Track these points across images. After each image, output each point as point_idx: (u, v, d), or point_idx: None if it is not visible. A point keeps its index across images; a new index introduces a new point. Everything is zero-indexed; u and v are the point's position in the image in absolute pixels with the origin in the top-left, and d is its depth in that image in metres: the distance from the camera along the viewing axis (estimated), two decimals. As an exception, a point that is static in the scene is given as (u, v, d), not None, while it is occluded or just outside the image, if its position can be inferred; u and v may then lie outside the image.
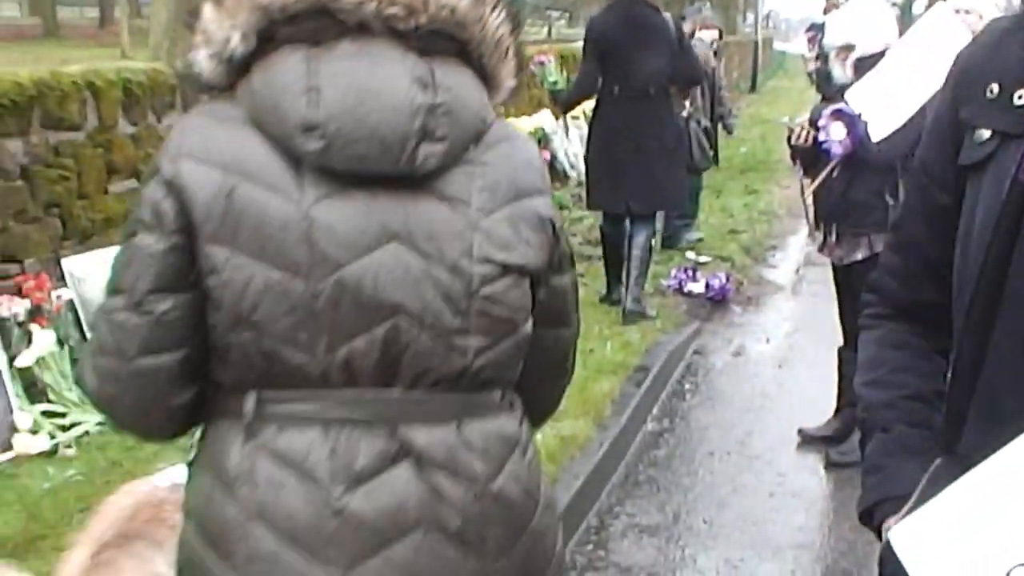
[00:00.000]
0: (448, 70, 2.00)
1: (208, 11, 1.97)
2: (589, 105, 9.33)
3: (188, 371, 2.00)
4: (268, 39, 1.94)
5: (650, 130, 8.48)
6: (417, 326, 1.96)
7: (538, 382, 2.26)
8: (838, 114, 5.89)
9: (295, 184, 1.91)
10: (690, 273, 9.91)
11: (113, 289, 1.98)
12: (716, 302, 9.78)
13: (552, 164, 14.61)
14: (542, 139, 14.34)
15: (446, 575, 2.01)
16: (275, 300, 1.91)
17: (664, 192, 8.75)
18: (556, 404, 2.45)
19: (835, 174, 6.08)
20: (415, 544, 1.98)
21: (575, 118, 15.80)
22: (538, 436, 5.64)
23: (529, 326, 2.11)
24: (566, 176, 14.60)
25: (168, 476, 3.10)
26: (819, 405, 7.04)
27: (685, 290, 9.72)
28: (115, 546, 3.03)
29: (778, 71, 45.54)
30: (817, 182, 6.21)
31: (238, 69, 1.97)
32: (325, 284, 1.91)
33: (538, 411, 2.32)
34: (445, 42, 2.00)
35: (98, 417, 6.13)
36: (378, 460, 1.96)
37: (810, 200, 6.44)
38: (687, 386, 7.85)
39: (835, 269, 6.46)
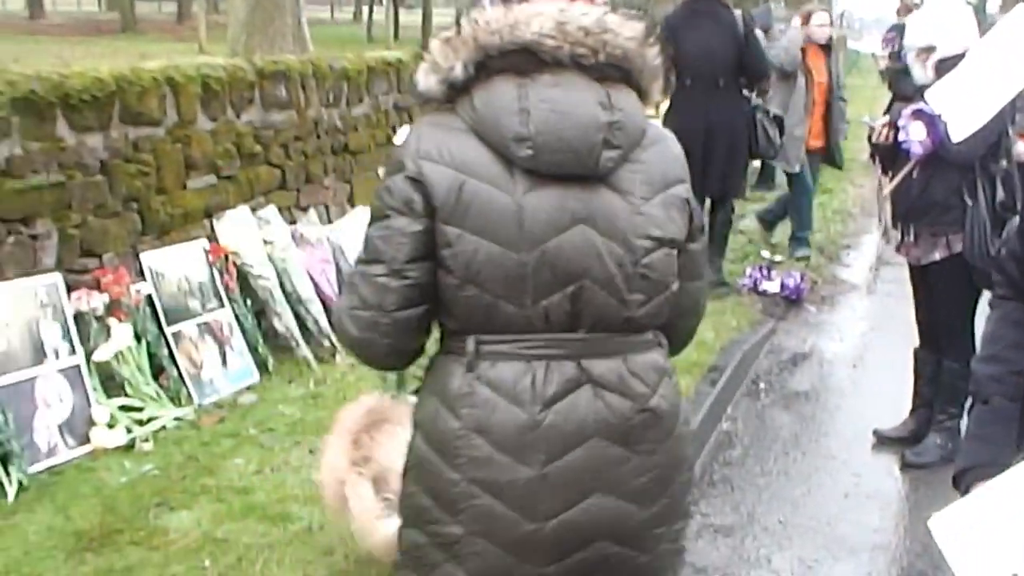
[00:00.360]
0: (619, 93, 2.64)
1: (436, 46, 2.66)
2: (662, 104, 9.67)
3: (427, 321, 2.71)
4: (481, 68, 2.59)
5: (719, 119, 9.03)
6: (597, 287, 2.62)
7: (678, 323, 2.90)
8: (918, 114, 5.84)
9: (509, 180, 2.57)
10: (765, 272, 9.86)
11: (372, 258, 2.65)
12: (791, 301, 9.72)
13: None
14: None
15: (615, 468, 2.67)
16: (494, 267, 2.56)
17: (731, 178, 9.42)
18: (689, 339, 3.07)
19: (914, 174, 6.03)
20: (593, 447, 2.63)
21: (651, 117, 15.74)
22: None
23: (676, 284, 2.76)
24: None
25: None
26: (894, 405, 6.98)
27: (760, 289, 9.67)
28: (367, 431, 4.27)
29: (851, 70, 45.14)
30: (896, 181, 6.16)
31: (457, 90, 2.62)
32: (531, 256, 2.56)
33: (676, 345, 2.96)
34: (616, 71, 2.64)
35: (175, 412, 6.22)
36: (566, 385, 2.62)
37: (888, 199, 6.39)
38: (762, 386, 7.79)
39: (912, 269, 6.40)
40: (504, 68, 2.60)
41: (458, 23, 2.68)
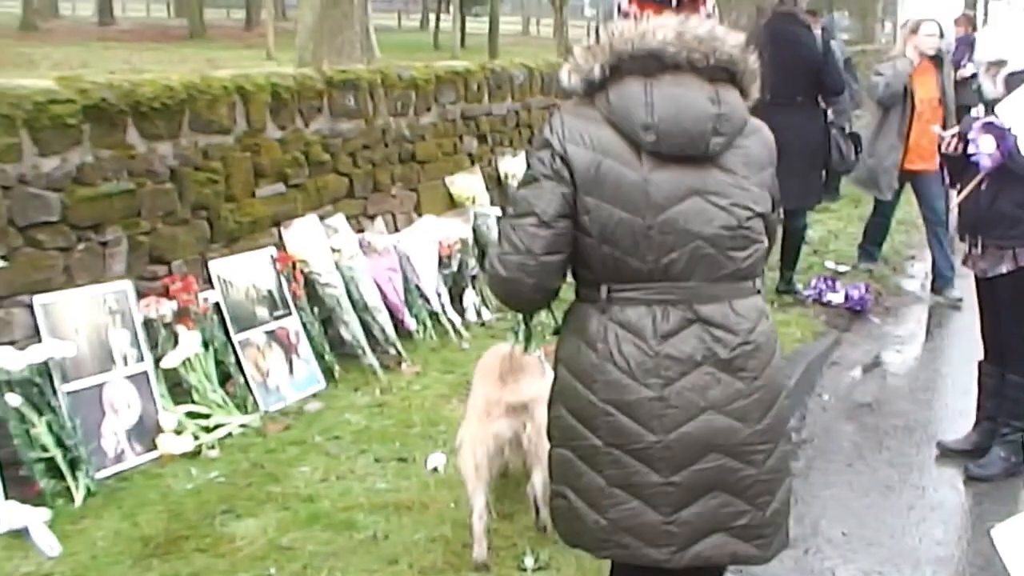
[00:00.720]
0: (726, 91, 3.31)
1: (579, 51, 3.33)
2: None
3: (565, 268, 3.36)
4: (615, 70, 3.26)
5: (796, 134, 8.91)
6: (707, 245, 3.27)
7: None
8: (988, 127, 5.81)
9: (637, 161, 3.23)
10: (829, 283, 9.81)
11: (524, 212, 3.28)
12: (855, 312, 9.66)
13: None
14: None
15: (722, 391, 3.30)
16: (624, 229, 3.23)
17: (806, 190, 9.66)
18: None
19: (983, 186, 5.99)
20: (702, 373, 3.28)
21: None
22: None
23: (766, 243, 3.46)
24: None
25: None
26: (958, 418, 6.93)
27: (824, 300, 9.62)
28: (510, 370, 4.93)
29: (917, 78, 44.80)
30: (964, 193, 6.13)
31: (595, 87, 3.29)
32: (655, 220, 3.23)
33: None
34: (724, 73, 3.32)
35: (241, 419, 6.28)
36: (680, 324, 3.28)
37: (955, 211, 6.35)
38: (826, 397, 7.75)
39: (978, 281, 6.35)
40: (633, 70, 3.27)
41: (596, 33, 3.36)
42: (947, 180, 6.48)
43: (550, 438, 3.57)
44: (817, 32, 9.67)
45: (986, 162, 5.85)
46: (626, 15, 3.46)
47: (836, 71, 9.82)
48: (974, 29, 18.14)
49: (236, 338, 6.64)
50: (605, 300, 3.34)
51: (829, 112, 9.92)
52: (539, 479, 4.92)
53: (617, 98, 3.27)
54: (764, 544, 3.54)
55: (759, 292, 3.45)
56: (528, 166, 3.37)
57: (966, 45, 17.56)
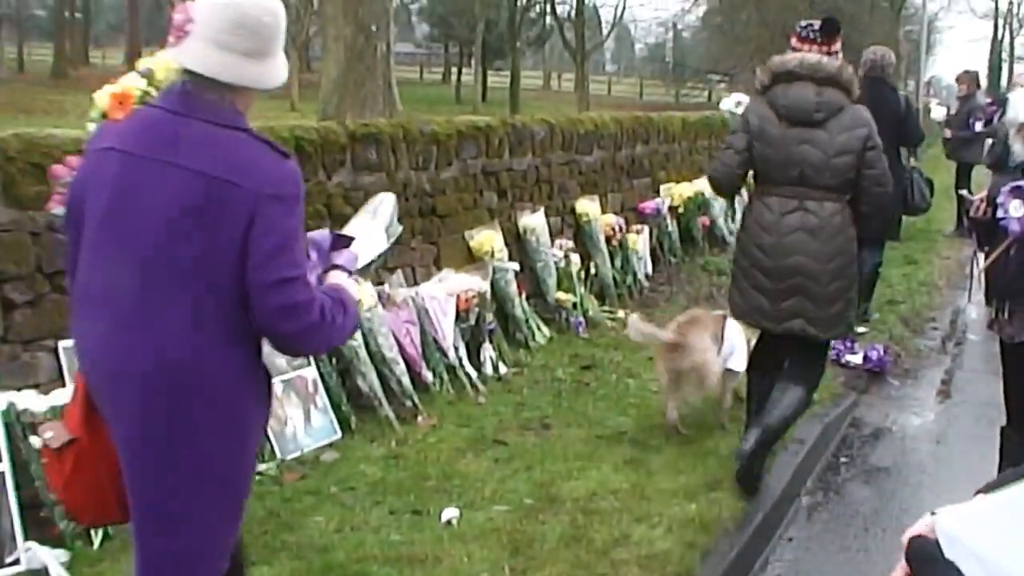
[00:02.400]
0: (827, 89, 6.35)
1: (759, 71, 6.62)
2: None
3: (744, 177, 6.81)
4: (774, 80, 6.45)
5: None
6: (811, 169, 6.34)
7: (868, 188, 6.44)
8: (1017, 191, 5.80)
9: (778, 124, 6.42)
10: (848, 344, 9.78)
11: (728, 146, 6.73)
12: (874, 374, 9.64)
13: (711, 230, 14.60)
14: (702, 205, 14.34)
15: (808, 244, 6.38)
16: (771, 154, 6.44)
17: (886, 226, 11.14)
18: (880, 201, 6.55)
19: (1011, 251, 5.97)
20: (800, 233, 6.40)
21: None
22: (691, 506, 5.66)
23: (854, 173, 6.36)
24: (725, 242, 14.57)
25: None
26: (978, 483, 6.87)
27: (843, 361, 9.59)
28: (688, 322, 7.67)
29: (938, 137, 44.86)
30: (992, 258, 6.11)
31: (765, 87, 6.51)
32: (784, 154, 6.39)
33: (869, 200, 6.49)
34: (830, 81, 6.36)
35: (258, 466, 6.28)
36: (792, 206, 6.42)
37: (981, 274, 6.35)
38: (843, 459, 7.73)
39: (1003, 346, 6.32)
40: (780, 79, 6.46)
41: (761, 64, 6.78)
42: (975, 245, 6.50)
43: (733, 262, 6.90)
44: (901, 93, 11.65)
45: (1015, 227, 5.83)
46: (793, 48, 6.52)
47: (916, 125, 11.53)
48: (978, 87, 18.21)
49: (255, 387, 6.65)
50: (761, 192, 6.62)
51: (912, 159, 11.98)
52: (726, 397, 7.84)
53: (773, 94, 6.48)
54: (823, 329, 6.53)
55: (839, 200, 6.41)
56: (733, 126, 7.16)
57: (969, 103, 17.73)
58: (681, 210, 13.90)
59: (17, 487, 5.29)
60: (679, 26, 74.53)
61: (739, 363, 7.62)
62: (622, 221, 12.09)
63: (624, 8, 66.66)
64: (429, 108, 29.89)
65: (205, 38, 3.39)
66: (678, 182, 14.10)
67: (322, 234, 4.07)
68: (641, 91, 75.77)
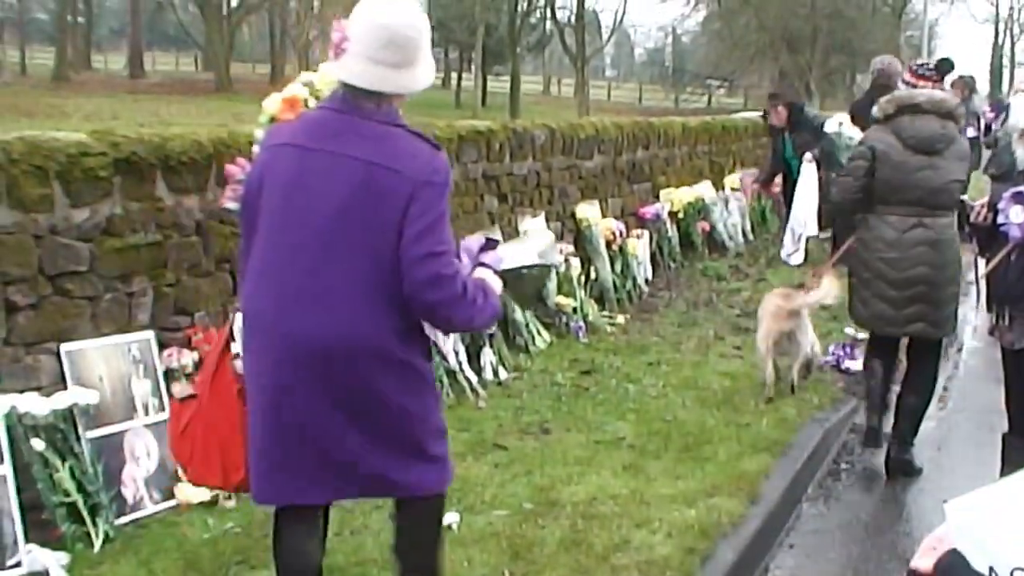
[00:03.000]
0: (947, 122, 7.19)
1: (882, 100, 7.37)
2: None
3: (864, 194, 7.32)
4: (897, 111, 7.21)
5: None
6: (929, 192, 7.10)
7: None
8: (1018, 197, 5.81)
9: (903, 151, 7.11)
10: (848, 350, 9.77)
11: (846, 174, 7.49)
12: (874, 380, 9.59)
13: (711, 235, 14.60)
14: (701, 210, 14.35)
15: (929, 255, 7.12)
16: (893, 178, 7.13)
17: None
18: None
19: (1012, 257, 5.98)
20: (921, 249, 7.14)
21: (735, 189, 15.79)
22: (691, 512, 5.66)
23: (959, 195, 7.26)
24: (724, 247, 14.57)
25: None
26: (978, 489, 6.90)
27: (843, 367, 9.58)
28: (788, 293, 9.20)
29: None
30: (992, 264, 6.13)
31: (889, 117, 7.22)
32: (910, 177, 7.11)
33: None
34: (948, 114, 7.20)
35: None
36: (913, 224, 7.15)
37: (983, 281, 6.35)
38: (843, 465, 7.73)
39: (1004, 353, 6.33)
40: (906, 111, 7.15)
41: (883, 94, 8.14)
42: (977, 249, 6.54)
43: (851, 275, 7.65)
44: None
45: (1016, 232, 5.84)
46: (907, 83, 7.36)
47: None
48: (973, 92, 18.16)
49: (256, 390, 6.66)
50: (879, 211, 7.22)
51: None
52: (799, 359, 8.81)
53: (897, 124, 7.15)
54: (941, 329, 7.37)
55: (950, 216, 7.16)
56: (853, 153, 7.64)
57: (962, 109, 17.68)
58: (681, 215, 13.92)
59: (18, 490, 5.30)
60: (679, 31, 74.68)
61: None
62: (622, 226, 12.11)
63: (624, 13, 66.53)
64: (429, 112, 29.90)
65: (360, 55, 3.93)
66: (678, 187, 14.12)
67: (474, 238, 4.66)
68: (641, 96, 75.77)
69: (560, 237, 10.94)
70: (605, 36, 71.24)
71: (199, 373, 4.25)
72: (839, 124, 12.02)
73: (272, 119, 5.74)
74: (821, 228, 14.54)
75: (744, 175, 16.24)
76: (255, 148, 5.00)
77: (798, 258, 14.30)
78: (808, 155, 13.63)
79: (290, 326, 3.84)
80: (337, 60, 4.00)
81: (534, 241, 9.42)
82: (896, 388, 7.89)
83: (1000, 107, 16.88)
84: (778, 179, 14.86)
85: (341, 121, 3.98)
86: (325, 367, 3.84)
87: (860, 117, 11.26)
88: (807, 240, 14.42)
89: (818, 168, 13.62)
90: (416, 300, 3.87)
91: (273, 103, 5.82)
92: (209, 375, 4.30)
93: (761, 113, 15.68)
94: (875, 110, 7.35)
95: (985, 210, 6.16)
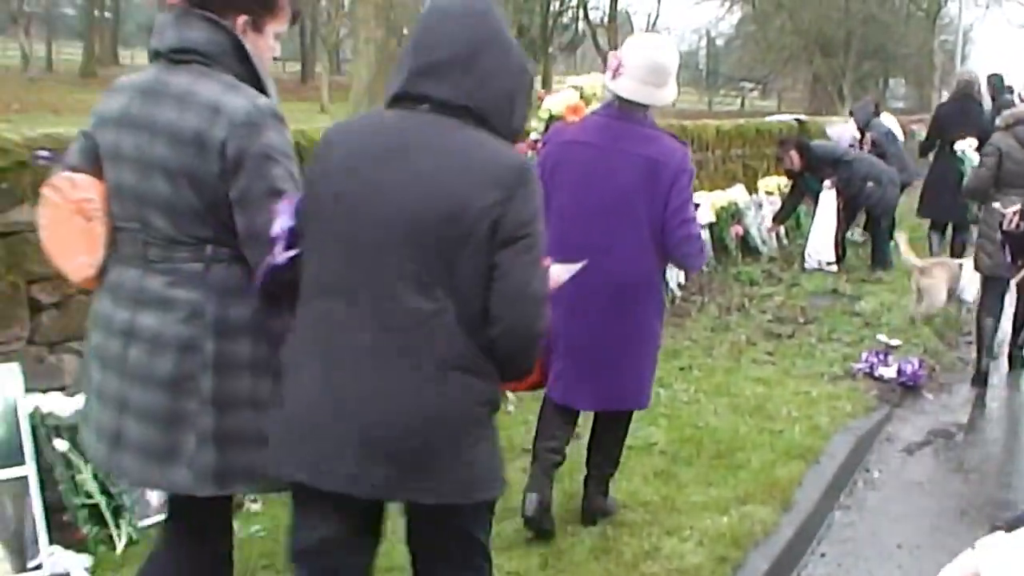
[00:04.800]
0: None
1: (1008, 114, 9.52)
2: (782, 180, 15.58)
3: (993, 184, 9.29)
4: (1016, 122, 9.34)
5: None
6: None
7: None
8: None
9: (1020, 149, 9.11)
10: (882, 357, 9.67)
11: (980, 166, 9.59)
12: (907, 387, 9.51)
13: (744, 239, 14.49)
14: (735, 213, 14.25)
15: None
16: (1014, 169, 9.11)
17: (963, 212, 13.89)
18: None
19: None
20: None
21: (769, 193, 15.69)
22: (723, 519, 5.58)
23: None
24: (758, 252, 14.47)
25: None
26: (1013, 500, 6.82)
27: (876, 374, 9.46)
28: (937, 264, 11.90)
29: (974, 148, 44.72)
30: (1024, 272, 6.03)
31: (1011, 125, 9.38)
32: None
33: None
34: None
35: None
36: None
37: (1015, 288, 6.26)
38: (876, 474, 7.63)
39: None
40: (1021, 121, 9.26)
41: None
42: (1009, 257, 6.42)
43: (980, 236, 9.23)
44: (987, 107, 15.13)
45: None
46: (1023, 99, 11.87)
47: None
48: (1001, 91, 18.04)
49: (282, 392, 6.59)
50: (1000, 192, 8.71)
51: None
52: (924, 304, 11.40)
53: (1016, 130, 8.92)
54: None
55: None
56: (985, 152, 9.43)
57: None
58: (714, 219, 13.82)
59: (42, 491, 5.25)
60: (712, 33, 74.49)
61: (968, 295, 11.30)
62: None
63: (658, 16, 66.24)
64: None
65: (632, 76, 5.50)
66: (711, 190, 14.01)
67: None
68: (674, 98, 75.51)
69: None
70: (638, 37, 71.04)
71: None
72: (969, 146, 13.50)
73: (551, 116, 8.04)
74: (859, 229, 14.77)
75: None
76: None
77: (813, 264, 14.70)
78: (827, 182, 13.97)
79: (595, 274, 4.82)
80: (614, 80, 5.55)
81: None
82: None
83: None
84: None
85: (620, 126, 5.58)
86: (616, 298, 5.56)
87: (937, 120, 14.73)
88: (844, 241, 14.76)
89: (838, 195, 14.34)
90: (676, 252, 5.62)
91: (556, 103, 8.07)
92: None
93: (776, 157, 15.89)
94: (999, 120, 9.83)
95: (1017, 217, 6.05)
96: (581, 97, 7.97)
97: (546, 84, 52.03)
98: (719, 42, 77.83)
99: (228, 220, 3.46)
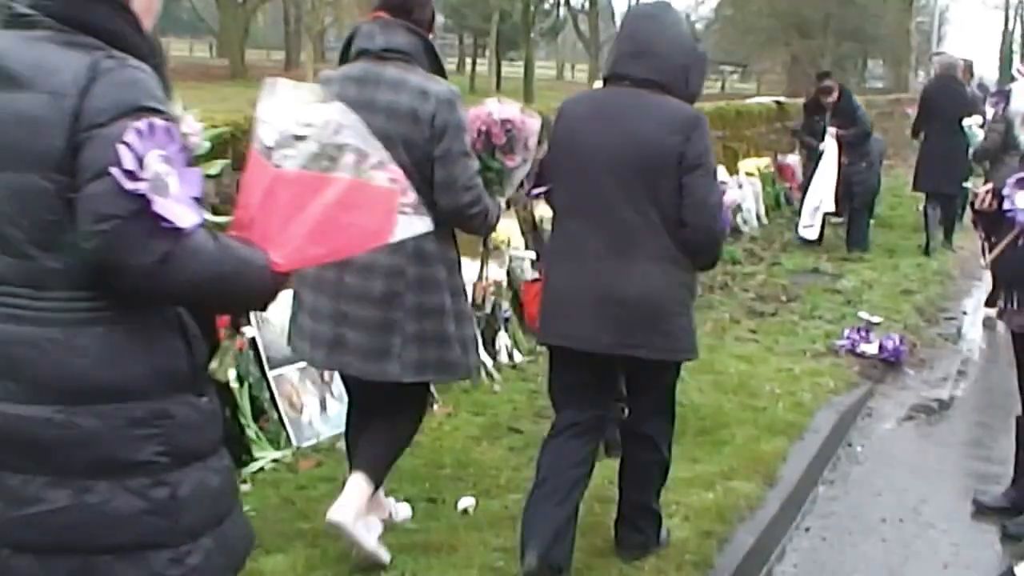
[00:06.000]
0: None
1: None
2: (762, 162, 16.67)
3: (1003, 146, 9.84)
4: None
5: (952, 146, 14.03)
6: None
7: None
8: (1023, 182, 5.76)
9: None
10: (863, 334, 9.74)
11: (991, 131, 10.85)
12: (889, 363, 9.59)
13: (727, 219, 14.56)
14: (718, 193, 14.31)
15: None
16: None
17: (955, 182, 13.65)
18: None
19: (1019, 242, 5.94)
20: None
21: (749, 174, 15.76)
22: (708, 495, 5.63)
23: None
24: (739, 231, 14.53)
25: None
26: (995, 474, 6.88)
27: (858, 351, 9.54)
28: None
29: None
30: (999, 249, 6.07)
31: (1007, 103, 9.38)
32: None
33: None
34: None
35: (274, 454, 6.29)
36: None
37: (989, 266, 6.31)
38: (858, 449, 7.71)
39: (1015, 336, 6.28)
40: None
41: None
42: (982, 236, 6.45)
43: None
44: (970, 90, 15.70)
45: (1022, 217, 5.80)
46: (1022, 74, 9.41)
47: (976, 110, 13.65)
48: (971, 77, 18.12)
49: (271, 374, 6.64)
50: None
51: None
52: None
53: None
54: None
55: None
56: (993, 118, 10.47)
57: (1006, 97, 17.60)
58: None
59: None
60: (692, 17, 74.42)
61: None
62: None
63: (637, 1, 66.23)
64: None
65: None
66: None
67: None
68: (654, 82, 75.45)
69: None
70: (618, 22, 71.08)
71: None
72: (975, 122, 13.05)
73: None
74: (837, 212, 14.70)
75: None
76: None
77: (813, 233, 14.74)
78: (831, 130, 14.06)
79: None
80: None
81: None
82: None
83: (1004, 93, 16.84)
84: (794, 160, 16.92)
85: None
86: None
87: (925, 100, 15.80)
88: (824, 220, 14.75)
89: (839, 151, 14.35)
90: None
91: None
92: None
93: (804, 99, 16.71)
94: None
95: (990, 196, 6.09)
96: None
97: (529, 70, 52.06)
98: (698, 26, 77.87)
99: (428, 175, 4.68)
